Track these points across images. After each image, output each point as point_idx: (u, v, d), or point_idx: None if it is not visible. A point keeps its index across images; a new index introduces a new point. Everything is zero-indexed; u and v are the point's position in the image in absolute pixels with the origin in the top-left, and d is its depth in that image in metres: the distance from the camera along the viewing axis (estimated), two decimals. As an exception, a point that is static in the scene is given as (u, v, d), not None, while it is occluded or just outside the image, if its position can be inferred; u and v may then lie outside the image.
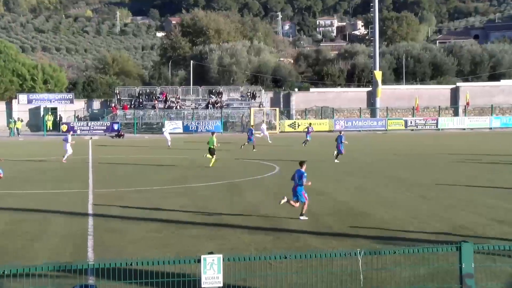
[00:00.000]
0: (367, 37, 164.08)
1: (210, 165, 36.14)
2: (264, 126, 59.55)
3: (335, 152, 38.81)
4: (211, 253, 8.82)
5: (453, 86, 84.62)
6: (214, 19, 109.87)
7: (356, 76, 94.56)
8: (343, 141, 38.55)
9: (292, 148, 50.50)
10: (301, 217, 20.16)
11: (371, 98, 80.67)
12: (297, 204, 20.36)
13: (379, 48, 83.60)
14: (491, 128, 73.55)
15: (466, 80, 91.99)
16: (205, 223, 19.76)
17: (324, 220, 20.06)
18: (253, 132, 49.39)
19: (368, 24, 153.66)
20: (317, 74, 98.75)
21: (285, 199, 20.36)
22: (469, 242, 8.89)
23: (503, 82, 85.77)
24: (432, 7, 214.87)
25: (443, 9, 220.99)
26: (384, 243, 16.61)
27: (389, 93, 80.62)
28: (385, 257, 11.23)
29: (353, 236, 17.72)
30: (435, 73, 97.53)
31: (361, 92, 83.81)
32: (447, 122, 75.19)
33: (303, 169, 20.27)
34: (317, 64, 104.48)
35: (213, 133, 39.63)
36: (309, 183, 20.44)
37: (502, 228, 18.88)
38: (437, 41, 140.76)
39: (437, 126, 74.52)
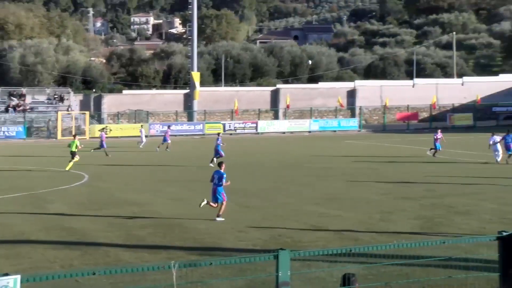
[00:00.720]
0: (184, 36, 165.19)
1: (67, 168, 36.93)
2: (143, 130, 58.27)
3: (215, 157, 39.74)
4: (6, 274, 8.36)
5: (274, 88, 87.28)
6: (13, 12, 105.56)
7: (172, 77, 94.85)
8: (220, 143, 40.04)
9: (106, 155, 49.55)
10: (218, 218, 21.50)
11: (188, 101, 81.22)
12: (216, 205, 21.80)
13: (197, 48, 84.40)
14: (310, 132, 76.68)
15: (287, 82, 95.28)
16: (0, 240, 18.85)
17: (137, 233, 19.87)
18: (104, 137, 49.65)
19: (186, 22, 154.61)
20: (131, 75, 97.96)
21: (205, 201, 21.72)
22: (286, 250, 9.13)
23: (321, 84, 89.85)
24: (252, 6, 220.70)
25: (263, 8, 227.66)
26: (201, 255, 16.76)
27: (207, 96, 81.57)
28: (201, 269, 11.28)
29: (168, 248, 17.71)
30: (256, 74, 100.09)
31: (178, 94, 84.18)
32: (267, 126, 77.31)
33: (222, 170, 21.87)
34: (131, 64, 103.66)
35: (75, 135, 42.32)
36: (228, 183, 21.90)
37: (316, 233, 19.80)
38: (258, 41, 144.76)
39: (256, 130, 76.27)
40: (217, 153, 39.51)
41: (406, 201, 25.81)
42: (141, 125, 62.83)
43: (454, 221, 21.66)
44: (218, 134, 43.39)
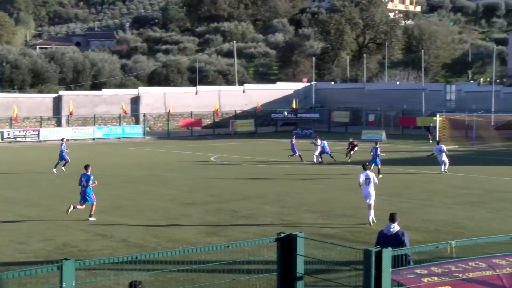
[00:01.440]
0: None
1: None
2: None
3: (59, 162, 39.45)
4: None
5: (56, 94, 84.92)
6: None
7: None
8: (64, 148, 39.88)
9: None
10: (90, 218, 22.60)
11: (-38, 108, 76.79)
12: (84, 206, 22.90)
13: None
14: (94, 139, 75.50)
15: (69, 89, 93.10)
16: None
17: None
18: None
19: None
20: None
21: (72, 207, 22.72)
22: (71, 260, 8.95)
23: (104, 91, 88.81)
24: (29, 9, 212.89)
25: (42, 12, 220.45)
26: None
27: (-16, 102, 77.65)
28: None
29: None
30: (36, 81, 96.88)
31: (-50, 101, 79.24)
32: (50, 133, 75.08)
33: (88, 172, 23.16)
34: None
35: None
36: (95, 183, 23.23)
37: (103, 242, 19.63)
38: (37, 46, 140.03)
39: (39, 137, 73.87)
40: (61, 159, 39.41)
41: (191, 207, 26.23)
42: None
43: (239, 225, 22.37)
44: (62, 139, 43.08)
